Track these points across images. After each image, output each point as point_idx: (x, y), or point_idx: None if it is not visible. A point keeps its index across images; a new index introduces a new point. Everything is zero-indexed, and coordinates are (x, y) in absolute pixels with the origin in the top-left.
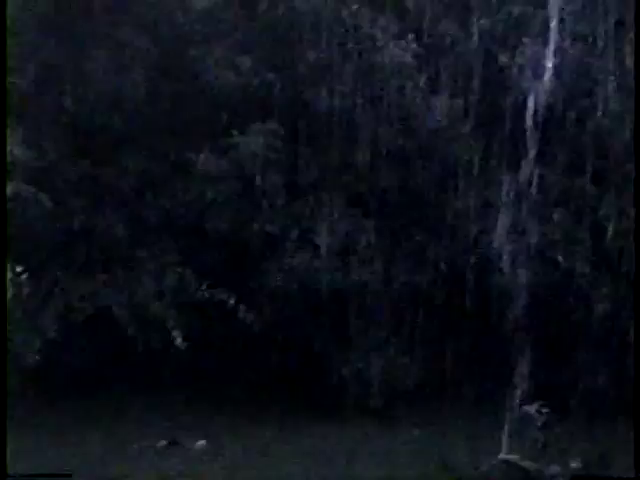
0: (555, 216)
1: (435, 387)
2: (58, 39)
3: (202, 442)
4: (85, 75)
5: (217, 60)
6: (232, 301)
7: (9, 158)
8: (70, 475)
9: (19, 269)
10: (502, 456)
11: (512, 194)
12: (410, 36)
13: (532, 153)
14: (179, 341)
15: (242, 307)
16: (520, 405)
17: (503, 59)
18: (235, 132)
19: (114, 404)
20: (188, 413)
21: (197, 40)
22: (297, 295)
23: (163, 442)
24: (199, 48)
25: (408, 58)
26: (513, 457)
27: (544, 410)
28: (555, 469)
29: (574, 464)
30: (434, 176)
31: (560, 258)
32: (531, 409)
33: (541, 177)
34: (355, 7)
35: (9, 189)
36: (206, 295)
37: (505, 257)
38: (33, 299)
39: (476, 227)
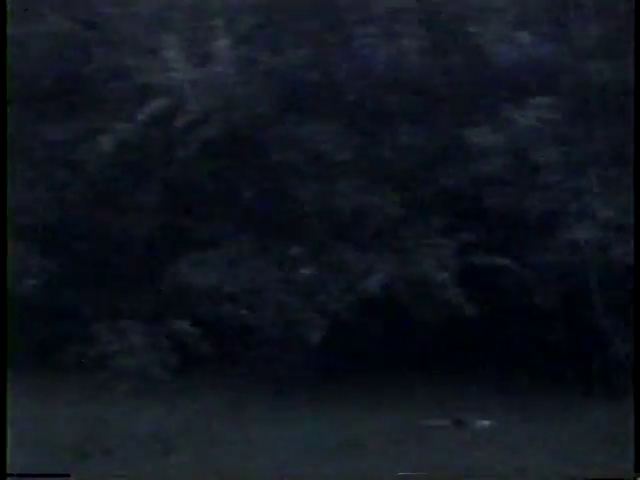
0: None
1: None
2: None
3: (486, 422)
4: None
5: (496, 35)
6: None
7: None
8: (69, 475)
9: (297, 250)
10: None
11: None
12: None
13: None
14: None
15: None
16: None
17: None
18: (510, 106)
19: (400, 381)
20: (474, 391)
21: (474, 16)
22: (581, 270)
23: (447, 421)
24: (476, 24)
25: None
26: None
27: None
28: None
29: None
30: None
31: None
32: None
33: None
34: None
35: None
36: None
37: None
38: (313, 278)
39: None
